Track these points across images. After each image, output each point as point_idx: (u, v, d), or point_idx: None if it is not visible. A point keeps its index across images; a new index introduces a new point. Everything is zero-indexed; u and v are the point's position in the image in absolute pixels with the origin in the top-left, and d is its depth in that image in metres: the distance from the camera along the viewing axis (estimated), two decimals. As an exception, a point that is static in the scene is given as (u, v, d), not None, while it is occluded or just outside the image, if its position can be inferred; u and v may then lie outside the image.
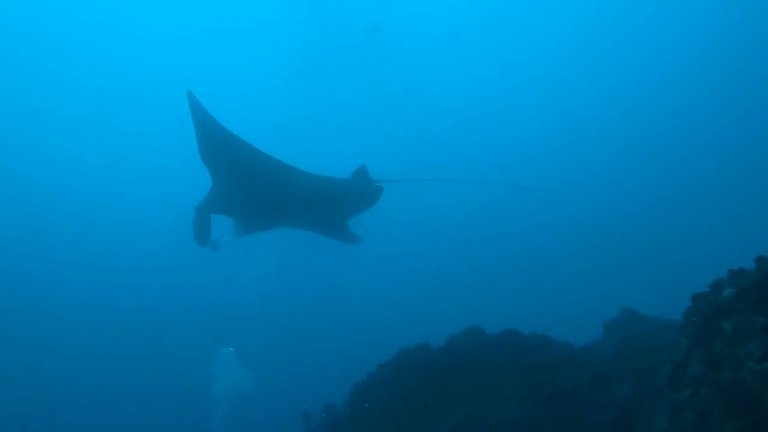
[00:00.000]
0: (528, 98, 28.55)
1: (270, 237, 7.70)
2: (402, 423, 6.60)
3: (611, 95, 28.41)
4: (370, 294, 23.52)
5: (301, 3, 25.74)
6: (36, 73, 25.85)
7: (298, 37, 26.34)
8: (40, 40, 25.34)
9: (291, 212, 6.88)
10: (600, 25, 27.68)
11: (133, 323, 24.05)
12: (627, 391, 6.32)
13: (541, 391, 5.96)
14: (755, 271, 3.94)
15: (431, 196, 25.18)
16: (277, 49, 26.84)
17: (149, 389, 21.27)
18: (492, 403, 6.14)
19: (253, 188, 6.56)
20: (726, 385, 3.55)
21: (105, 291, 25.63)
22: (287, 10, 25.83)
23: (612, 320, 7.82)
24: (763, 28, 25.23)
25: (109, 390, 21.80)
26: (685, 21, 26.47)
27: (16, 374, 22.17)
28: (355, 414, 6.98)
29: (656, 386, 5.47)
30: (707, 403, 3.71)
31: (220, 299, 20.81)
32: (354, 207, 6.91)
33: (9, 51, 24.91)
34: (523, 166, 26.43)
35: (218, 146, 6.21)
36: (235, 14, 26.63)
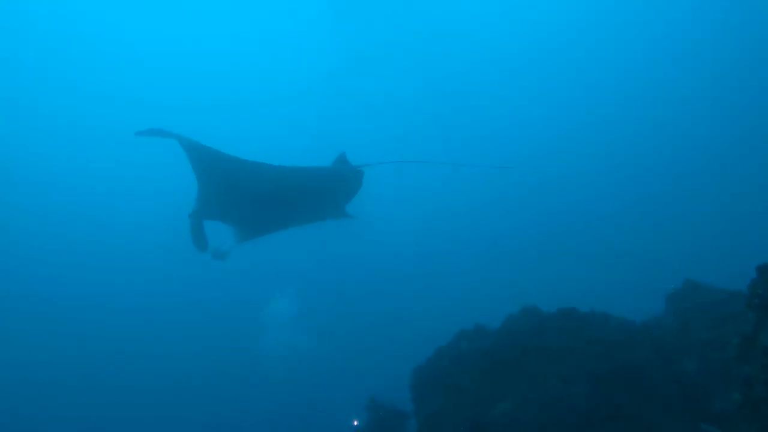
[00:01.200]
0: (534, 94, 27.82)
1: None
2: (463, 403, 6.70)
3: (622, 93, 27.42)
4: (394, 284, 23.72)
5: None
6: (36, 74, 26.15)
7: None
8: (41, 41, 25.64)
9: (281, 209, 6.90)
10: (600, 25, 26.71)
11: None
12: (693, 364, 6.18)
13: (602, 368, 5.91)
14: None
15: (454, 184, 25.13)
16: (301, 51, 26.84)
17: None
18: (552, 381, 6.14)
19: (236, 192, 6.64)
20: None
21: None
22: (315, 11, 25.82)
23: (674, 292, 7.63)
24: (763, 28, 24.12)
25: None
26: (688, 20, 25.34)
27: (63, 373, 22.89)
28: (417, 397, 7.12)
29: (724, 359, 5.34)
30: (779, 376, 3.61)
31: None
32: (341, 191, 6.90)
33: (9, 53, 25.14)
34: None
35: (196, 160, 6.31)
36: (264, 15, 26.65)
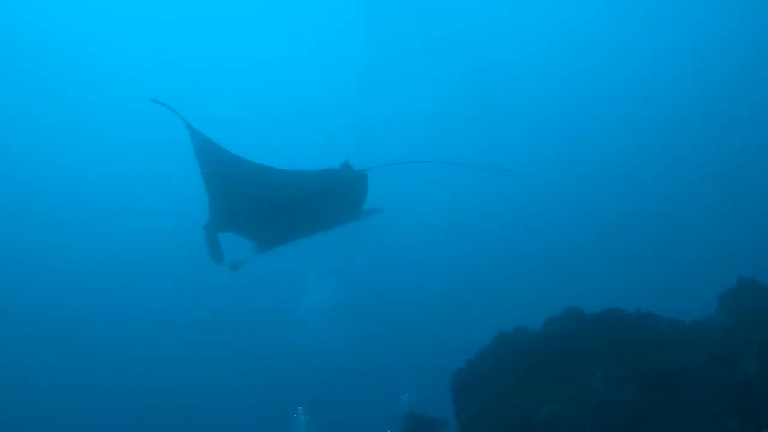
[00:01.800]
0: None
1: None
2: (506, 406, 6.58)
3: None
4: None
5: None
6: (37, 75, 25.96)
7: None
8: (43, 42, 25.46)
9: (289, 214, 6.90)
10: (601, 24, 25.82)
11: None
12: (753, 367, 5.87)
13: (650, 370, 5.70)
14: None
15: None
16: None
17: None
18: (597, 385, 5.97)
19: (240, 194, 6.70)
20: None
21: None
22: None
23: (727, 291, 7.29)
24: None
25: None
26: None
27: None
28: (458, 400, 7.05)
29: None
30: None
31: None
32: (347, 195, 6.89)
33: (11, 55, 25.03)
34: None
35: (215, 164, 6.42)
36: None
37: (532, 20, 26.51)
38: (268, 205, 6.77)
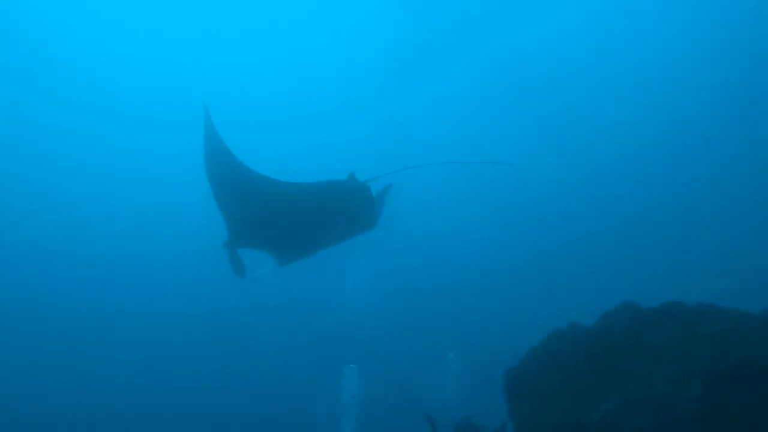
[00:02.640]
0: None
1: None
2: (561, 405, 6.38)
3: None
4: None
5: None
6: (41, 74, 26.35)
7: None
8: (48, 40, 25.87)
9: (304, 228, 6.99)
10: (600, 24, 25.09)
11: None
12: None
13: (717, 366, 5.40)
14: None
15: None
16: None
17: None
18: (659, 381, 5.70)
19: (255, 215, 6.83)
20: None
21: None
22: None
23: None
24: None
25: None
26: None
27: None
28: (510, 399, 6.88)
29: None
30: None
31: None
32: (356, 206, 7.00)
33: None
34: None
35: (226, 173, 6.56)
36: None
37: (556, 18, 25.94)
38: (277, 220, 6.90)
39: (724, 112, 25.22)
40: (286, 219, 6.87)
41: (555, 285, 23.57)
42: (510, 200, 26.06)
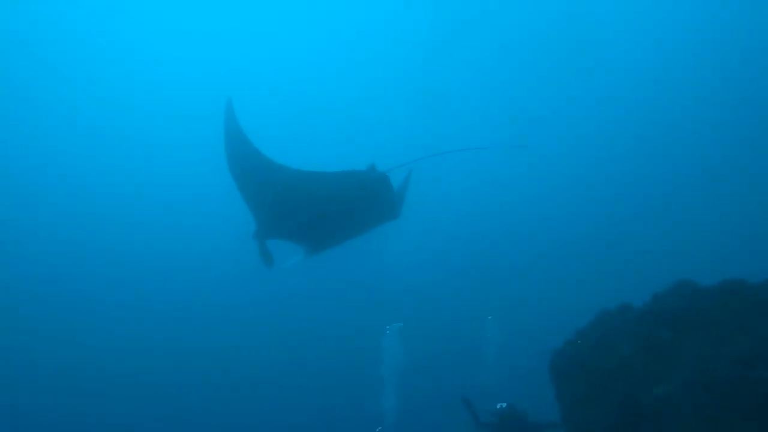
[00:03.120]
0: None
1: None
2: (612, 388, 6.19)
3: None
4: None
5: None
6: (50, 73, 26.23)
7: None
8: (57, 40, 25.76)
9: (331, 217, 7.00)
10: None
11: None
12: None
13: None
14: None
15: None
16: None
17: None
18: (719, 363, 5.44)
19: (284, 205, 6.88)
20: None
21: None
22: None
23: None
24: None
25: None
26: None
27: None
28: (558, 381, 6.72)
29: None
30: None
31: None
32: (376, 196, 6.98)
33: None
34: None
35: (247, 167, 6.60)
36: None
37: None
38: (301, 210, 6.95)
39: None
40: (309, 209, 6.92)
41: (596, 268, 23.22)
42: (557, 182, 25.74)
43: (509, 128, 24.88)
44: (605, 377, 6.14)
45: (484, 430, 8.17)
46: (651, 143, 25.70)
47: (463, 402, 8.26)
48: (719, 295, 5.73)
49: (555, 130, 25.40)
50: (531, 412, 8.32)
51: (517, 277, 23.71)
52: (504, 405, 8.16)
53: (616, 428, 5.77)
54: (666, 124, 25.47)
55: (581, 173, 26.22)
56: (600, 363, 6.15)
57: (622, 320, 6.57)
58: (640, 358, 6.05)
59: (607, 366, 6.15)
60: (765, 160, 24.03)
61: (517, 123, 25.07)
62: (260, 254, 7.13)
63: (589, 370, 6.23)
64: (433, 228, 23.86)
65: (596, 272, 23.34)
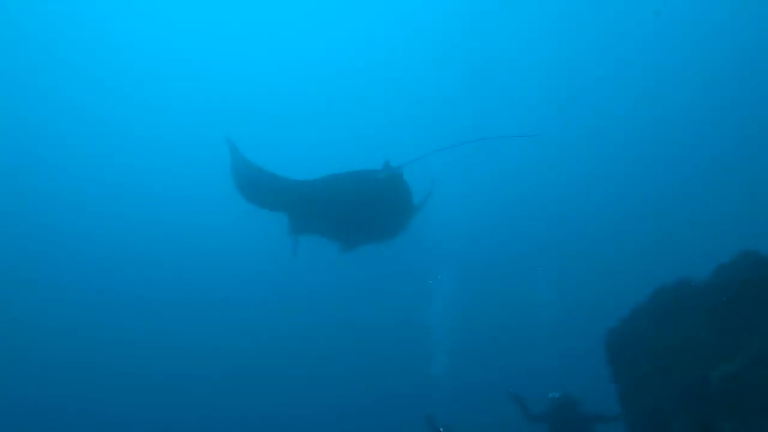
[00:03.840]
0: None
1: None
2: (673, 365, 5.95)
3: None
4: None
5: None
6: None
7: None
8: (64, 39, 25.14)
9: (352, 217, 7.13)
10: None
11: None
12: None
13: None
14: None
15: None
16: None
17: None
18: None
19: (303, 213, 7.12)
20: None
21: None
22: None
23: None
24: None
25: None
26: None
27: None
28: (614, 360, 6.50)
29: None
30: None
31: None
32: (391, 195, 7.00)
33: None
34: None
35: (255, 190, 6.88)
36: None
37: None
38: (320, 216, 7.19)
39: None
40: (327, 215, 7.15)
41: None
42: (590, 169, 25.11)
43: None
44: (669, 355, 5.89)
45: (536, 422, 7.86)
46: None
47: (510, 397, 7.89)
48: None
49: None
50: (584, 401, 7.98)
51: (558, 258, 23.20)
52: (557, 395, 7.77)
53: (682, 408, 5.54)
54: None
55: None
56: (663, 340, 5.90)
57: (683, 295, 6.28)
58: (706, 334, 5.78)
59: (670, 343, 5.90)
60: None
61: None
62: (292, 251, 7.34)
63: (651, 348, 5.98)
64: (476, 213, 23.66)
65: (643, 253, 22.66)
